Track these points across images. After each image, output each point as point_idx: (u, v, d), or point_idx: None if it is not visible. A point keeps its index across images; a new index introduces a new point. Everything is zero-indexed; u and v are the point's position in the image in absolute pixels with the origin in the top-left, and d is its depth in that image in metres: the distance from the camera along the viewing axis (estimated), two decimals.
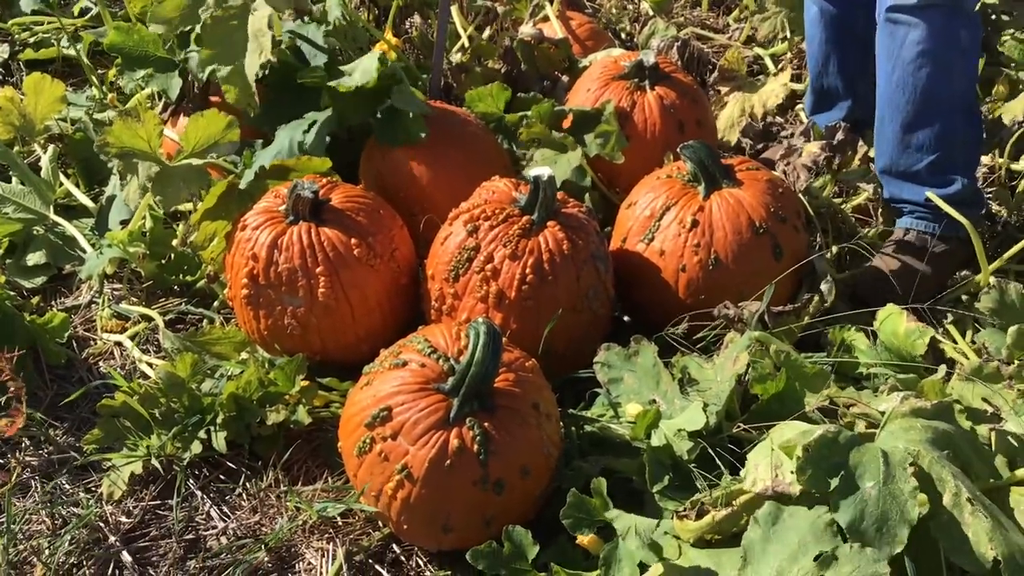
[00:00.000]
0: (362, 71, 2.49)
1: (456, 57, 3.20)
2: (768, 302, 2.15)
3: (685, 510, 1.73)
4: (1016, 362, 2.04)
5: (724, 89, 3.19)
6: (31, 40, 3.68)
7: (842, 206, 2.54)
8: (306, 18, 2.74)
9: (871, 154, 2.62)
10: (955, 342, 2.26)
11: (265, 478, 2.13)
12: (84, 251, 2.67)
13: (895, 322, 2.09)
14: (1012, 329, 2.11)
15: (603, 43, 3.30)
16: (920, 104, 2.36)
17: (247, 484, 2.13)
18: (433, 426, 1.79)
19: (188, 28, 2.65)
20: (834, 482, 1.53)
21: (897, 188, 2.50)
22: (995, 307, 2.24)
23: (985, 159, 2.89)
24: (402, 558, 1.98)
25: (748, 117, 3.05)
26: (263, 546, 1.97)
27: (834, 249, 2.57)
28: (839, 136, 2.35)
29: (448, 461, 1.77)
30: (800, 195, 2.41)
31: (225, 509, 2.09)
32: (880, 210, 2.51)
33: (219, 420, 2.13)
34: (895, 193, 2.51)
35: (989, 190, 2.87)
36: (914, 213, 2.49)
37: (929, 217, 2.46)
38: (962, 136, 2.31)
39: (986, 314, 2.21)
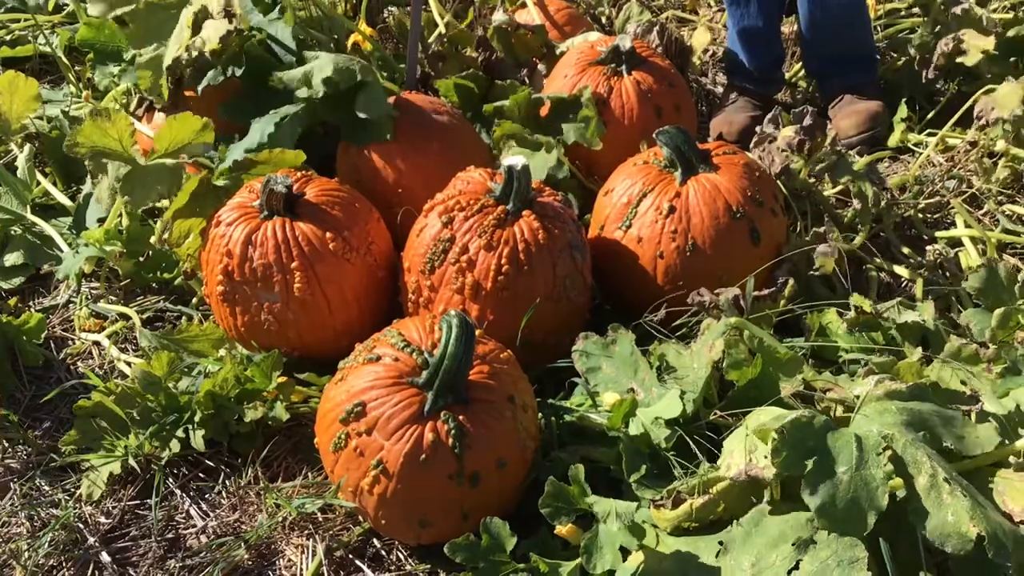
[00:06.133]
0: (320, 78, 2.47)
1: (434, 46, 3.18)
2: (742, 288, 2.13)
3: (662, 499, 1.72)
4: (996, 345, 2.03)
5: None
6: (7, 38, 3.65)
7: (823, 192, 2.52)
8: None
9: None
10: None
11: (244, 475, 2.11)
12: (62, 251, 2.66)
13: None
14: (998, 312, 2.09)
15: (581, 28, 3.28)
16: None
17: (226, 482, 2.12)
18: (407, 420, 1.78)
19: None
20: (808, 464, 1.53)
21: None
22: (982, 287, 2.21)
23: None
24: (382, 552, 1.97)
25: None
26: (243, 544, 1.96)
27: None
28: (807, 120, 2.34)
29: (423, 455, 1.76)
30: (777, 179, 2.40)
31: (204, 507, 2.08)
32: (857, 192, 2.48)
33: (197, 418, 2.11)
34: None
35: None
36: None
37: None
38: None
39: (973, 294, 2.20)
